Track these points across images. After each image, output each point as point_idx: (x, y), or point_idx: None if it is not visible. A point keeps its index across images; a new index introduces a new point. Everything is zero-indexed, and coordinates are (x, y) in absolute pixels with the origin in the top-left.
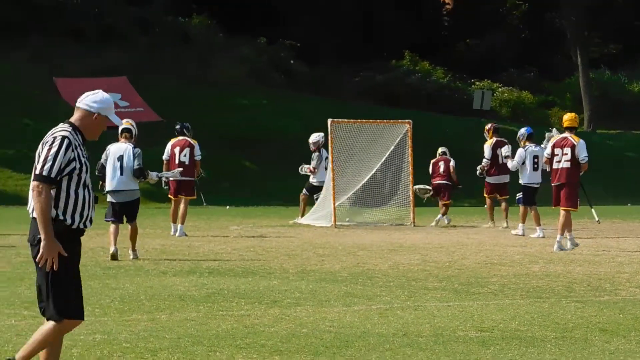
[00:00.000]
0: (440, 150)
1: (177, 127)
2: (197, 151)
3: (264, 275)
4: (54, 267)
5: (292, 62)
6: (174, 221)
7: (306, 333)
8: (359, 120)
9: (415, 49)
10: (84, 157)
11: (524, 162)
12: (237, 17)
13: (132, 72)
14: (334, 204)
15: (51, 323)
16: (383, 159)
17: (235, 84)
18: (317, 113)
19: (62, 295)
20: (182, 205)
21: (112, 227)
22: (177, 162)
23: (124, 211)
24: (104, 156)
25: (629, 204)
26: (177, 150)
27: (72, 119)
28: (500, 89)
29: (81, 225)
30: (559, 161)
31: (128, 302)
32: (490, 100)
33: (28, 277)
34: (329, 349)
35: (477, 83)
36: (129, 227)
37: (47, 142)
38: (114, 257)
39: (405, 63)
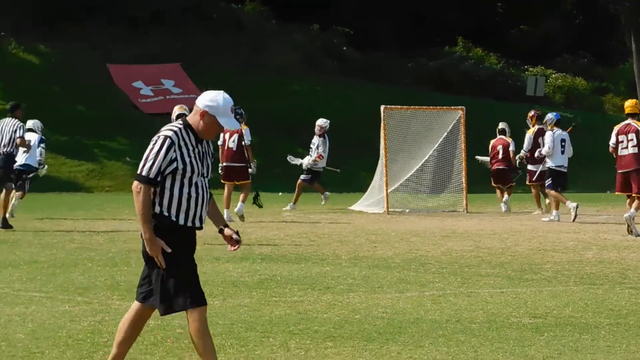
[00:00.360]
0: (500, 126)
1: None
2: (246, 136)
3: (317, 262)
4: (162, 264)
5: (344, 48)
6: (227, 207)
7: (359, 319)
8: (411, 107)
9: (469, 36)
10: (190, 156)
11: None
12: (290, 3)
13: (185, 59)
14: (387, 190)
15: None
16: (436, 146)
17: (288, 71)
18: (369, 99)
19: (167, 289)
20: (226, 190)
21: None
22: (226, 147)
23: None
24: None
25: None
26: (227, 135)
27: (188, 117)
28: (553, 75)
29: (189, 224)
30: (625, 147)
31: None
32: (544, 86)
33: (82, 263)
34: (381, 335)
35: (531, 69)
36: None
37: (153, 140)
38: None
39: (458, 49)
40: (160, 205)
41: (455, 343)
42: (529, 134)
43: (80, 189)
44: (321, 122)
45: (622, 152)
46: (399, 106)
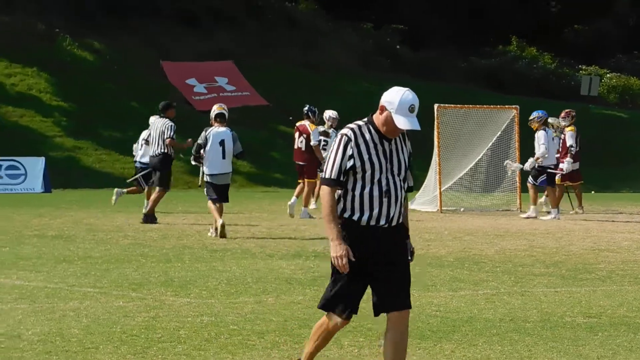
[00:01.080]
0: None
1: (304, 109)
2: (314, 137)
3: None
4: (344, 269)
5: (398, 47)
6: (305, 204)
7: (412, 317)
8: (465, 106)
9: (523, 35)
10: (370, 153)
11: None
12: (343, 1)
13: (239, 57)
14: (440, 189)
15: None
16: (489, 144)
17: (341, 69)
18: (423, 98)
19: (329, 288)
20: (305, 189)
21: (214, 204)
22: (295, 147)
23: (221, 191)
24: (202, 138)
25: None
26: (296, 135)
27: (375, 114)
28: (608, 75)
29: (372, 222)
30: None
31: (235, 285)
32: (598, 86)
33: (135, 260)
34: (435, 334)
35: (585, 69)
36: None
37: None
38: (223, 228)
39: (512, 49)
40: (344, 205)
41: (509, 342)
42: (572, 132)
43: (131, 184)
44: (333, 113)
45: None
46: (452, 105)
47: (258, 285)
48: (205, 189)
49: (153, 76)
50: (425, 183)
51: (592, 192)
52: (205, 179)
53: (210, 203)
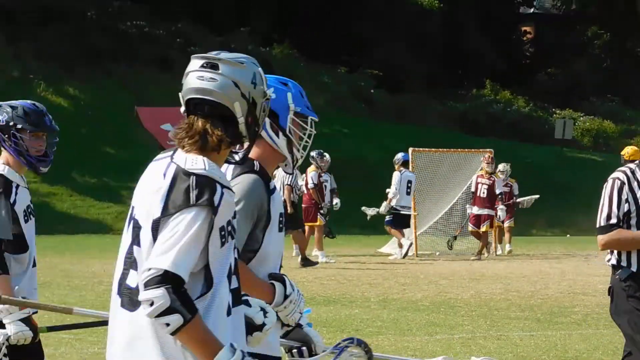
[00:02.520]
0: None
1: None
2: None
3: (346, 304)
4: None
5: (372, 90)
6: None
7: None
8: (440, 149)
9: (497, 78)
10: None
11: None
12: (318, 46)
13: None
14: (415, 233)
15: None
16: (464, 188)
17: (316, 113)
18: (398, 141)
19: None
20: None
21: None
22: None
23: None
24: None
25: None
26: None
27: None
28: (581, 118)
29: None
30: None
31: None
32: (572, 129)
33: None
34: None
35: (559, 112)
36: None
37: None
38: None
39: (486, 92)
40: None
41: None
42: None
43: (109, 230)
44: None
45: None
46: (427, 149)
47: None
48: None
49: (128, 121)
50: None
51: (568, 235)
52: None
53: None
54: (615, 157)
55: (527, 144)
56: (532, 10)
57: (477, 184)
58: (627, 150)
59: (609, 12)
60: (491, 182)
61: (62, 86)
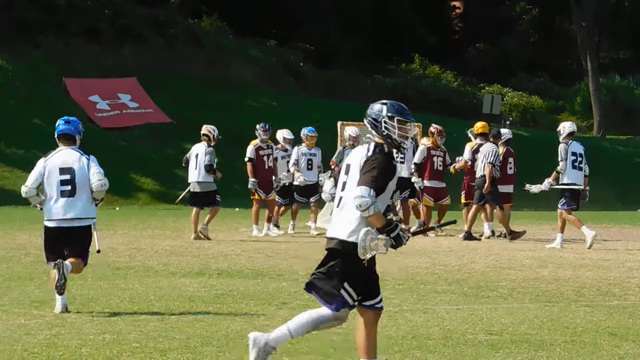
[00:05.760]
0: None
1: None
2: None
3: (274, 277)
4: None
5: (301, 64)
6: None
7: (316, 335)
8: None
9: (426, 53)
10: None
11: None
12: (248, 18)
13: (144, 73)
14: None
15: None
16: (398, 158)
17: (246, 86)
18: (327, 115)
19: None
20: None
21: (193, 211)
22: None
23: (201, 199)
24: (189, 153)
25: (638, 210)
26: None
27: None
28: (509, 94)
29: None
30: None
31: (137, 303)
32: (500, 104)
33: (38, 277)
34: (337, 351)
35: (487, 87)
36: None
37: None
38: (198, 237)
39: (415, 67)
40: None
41: (412, 359)
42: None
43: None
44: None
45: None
46: (355, 122)
47: (161, 303)
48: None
49: (56, 93)
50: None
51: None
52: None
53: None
54: (543, 132)
55: (455, 119)
56: None
57: (431, 156)
58: (477, 125)
59: None
60: (443, 154)
61: None
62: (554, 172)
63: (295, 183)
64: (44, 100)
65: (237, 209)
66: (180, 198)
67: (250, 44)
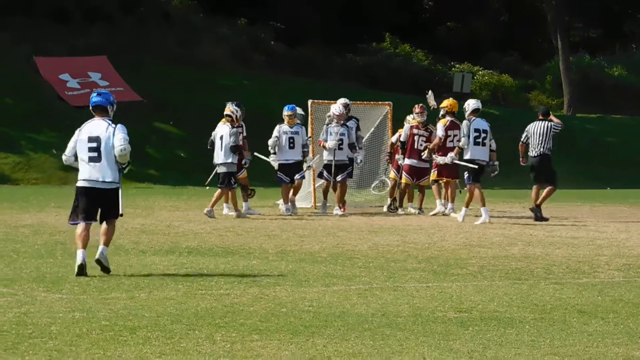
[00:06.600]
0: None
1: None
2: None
3: (244, 255)
4: None
5: (272, 43)
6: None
7: (285, 312)
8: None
9: (396, 32)
10: None
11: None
12: None
13: (113, 52)
14: (314, 185)
15: None
16: (363, 141)
17: (216, 65)
18: (297, 94)
19: None
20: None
21: (217, 192)
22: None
23: (224, 177)
24: (213, 134)
25: (608, 188)
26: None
27: None
28: (480, 72)
29: None
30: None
31: (107, 281)
32: (471, 83)
33: (7, 255)
34: (307, 329)
35: (458, 66)
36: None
37: None
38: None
39: (386, 45)
40: None
41: (381, 337)
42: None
43: (7, 181)
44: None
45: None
46: (326, 101)
47: (130, 281)
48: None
49: (26, 72)
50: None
51: (460, 191)
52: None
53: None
54: (514, 111)
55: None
56: None
57: (412, 135)
58: (447, 103)
59: None
60: (428, 133)
61: None
62: (456, 148)
63: (273, 164)
64: (15, 79)
65: (207, 187)
66: (209, 180)
67: (220, 22)
